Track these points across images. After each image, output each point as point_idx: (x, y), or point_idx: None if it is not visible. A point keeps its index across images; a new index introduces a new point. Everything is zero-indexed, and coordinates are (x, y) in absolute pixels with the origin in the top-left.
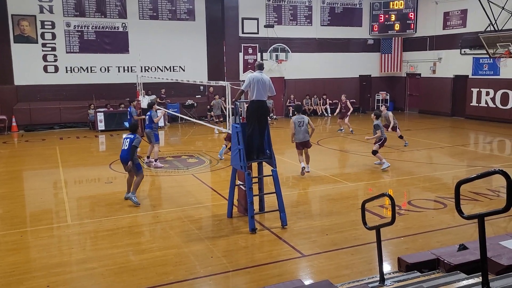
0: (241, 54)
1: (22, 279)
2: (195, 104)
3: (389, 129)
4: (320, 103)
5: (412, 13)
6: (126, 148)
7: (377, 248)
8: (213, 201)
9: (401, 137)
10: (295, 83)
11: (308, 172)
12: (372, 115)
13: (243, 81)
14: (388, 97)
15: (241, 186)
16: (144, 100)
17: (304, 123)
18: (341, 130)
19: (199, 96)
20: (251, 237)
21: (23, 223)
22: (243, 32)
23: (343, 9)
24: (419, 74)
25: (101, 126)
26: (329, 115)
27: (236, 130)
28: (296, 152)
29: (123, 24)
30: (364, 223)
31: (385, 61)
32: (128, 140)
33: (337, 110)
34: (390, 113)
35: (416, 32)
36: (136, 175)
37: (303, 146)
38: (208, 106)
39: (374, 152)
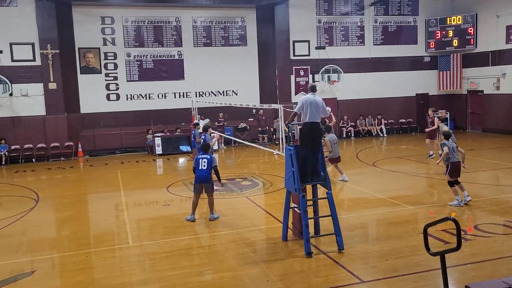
0: (292, 77)
1: None
2: (248, 127)
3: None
4: (374, 123)
5: (472, 28)
6: (205, 168)
7: (442, 275)
8: (268, 223)
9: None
10: (348, 103)
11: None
12: (442, 129)
13: (296, 103)
14: (447, 116)
15: (295, 208)
16: (200, 124)
17: (337, 141)
18: (431, 155)
19: (252, 119)
20: (307, 261)
21: (88, 244)
22: (294, 55)
23: (397, 27)
24: (482, 91)
25: (158, 150)
26: (385, 135)
27: (289, 153)
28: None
29: (179, 52)
30: (427, 248)
31: (443, 79)
32: (206, 160)
33: (428, 129)
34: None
35: (476, 47)
36: (210, 195)
37: (337, 161)
38: (272, 129)
39: (450, 184)
